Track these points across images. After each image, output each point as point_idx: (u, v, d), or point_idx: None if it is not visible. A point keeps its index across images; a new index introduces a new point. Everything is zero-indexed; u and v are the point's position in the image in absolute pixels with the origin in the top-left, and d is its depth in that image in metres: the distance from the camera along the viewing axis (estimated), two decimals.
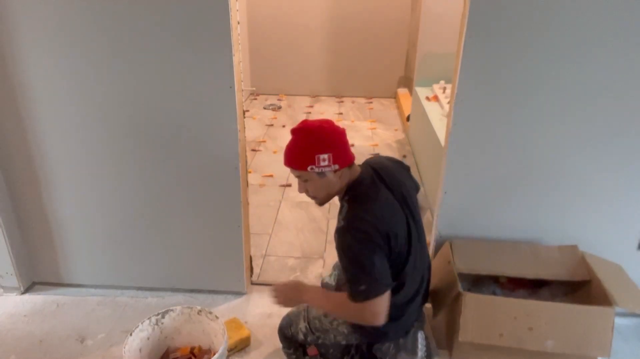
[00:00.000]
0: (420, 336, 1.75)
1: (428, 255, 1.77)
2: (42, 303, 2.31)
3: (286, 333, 1.79)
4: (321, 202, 1.61)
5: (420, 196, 1.75)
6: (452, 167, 2.03)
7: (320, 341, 1.73)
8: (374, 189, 1.53)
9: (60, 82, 1.96)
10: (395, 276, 1.53)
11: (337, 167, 1.49)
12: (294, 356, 1.86)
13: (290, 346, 1.85)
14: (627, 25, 1.75)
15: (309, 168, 1.48)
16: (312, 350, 1.86)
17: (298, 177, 1.56)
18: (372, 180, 1.56)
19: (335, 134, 1.50)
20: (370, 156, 2.00)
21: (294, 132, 1.54)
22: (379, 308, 1.46)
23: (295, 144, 1.53)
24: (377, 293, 1.44)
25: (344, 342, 1.71)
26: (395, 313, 1.55)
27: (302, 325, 1.74)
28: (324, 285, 2.17)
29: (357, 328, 1.63)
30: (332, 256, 2.67)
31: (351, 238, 1.44)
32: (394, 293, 1.53)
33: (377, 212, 1.47)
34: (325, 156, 1.46)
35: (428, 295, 1.80)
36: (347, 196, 1.55)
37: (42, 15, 1.85)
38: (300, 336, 1.75)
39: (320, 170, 1.48)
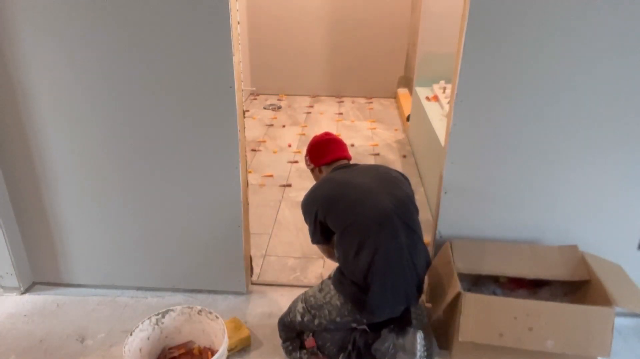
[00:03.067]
0: (420, 336, 1.77)
1: (419, 240, 1.83)
2: (42, 303, 2.32)
3: (285, 321, 1.93)
4: None
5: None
6: (452, 167, 2.03)
7: (316, 320, 1.82)
8: (327, 178, 1.96)
9: (60, 81, 1.96)
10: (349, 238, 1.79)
11: (312, 165, 2.07)
12: (291, 348, 1.94)
13: (287, 339, 1.94)
14: (629, 26, 1.75)
15: (305, 161, 2.13)
16: (309, 342, 1.88)
17: None
18: (336, 171, 1.97)
19: (319, 143, 2.06)
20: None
21: None
22: (320, 250, 2.05)
23: None
24: (312, 241, 1.97)
25: (338, 318, 1.78)
26: (366, 279, 1.72)
27: (300, 306, 1.88)
28: None
29: (347, 300, 1.76)
30: None
31: (302, 202, 1.95)
32: (355, 254, 1.74)
33: (315, 193, 1.91)
34: (307, 157, 2.10)
35: (420, 280, 1.82)
36: None
37: (42, 15, 1.85)
38: (298, 318, 1.86)
39: (307, 164, 2.10)
